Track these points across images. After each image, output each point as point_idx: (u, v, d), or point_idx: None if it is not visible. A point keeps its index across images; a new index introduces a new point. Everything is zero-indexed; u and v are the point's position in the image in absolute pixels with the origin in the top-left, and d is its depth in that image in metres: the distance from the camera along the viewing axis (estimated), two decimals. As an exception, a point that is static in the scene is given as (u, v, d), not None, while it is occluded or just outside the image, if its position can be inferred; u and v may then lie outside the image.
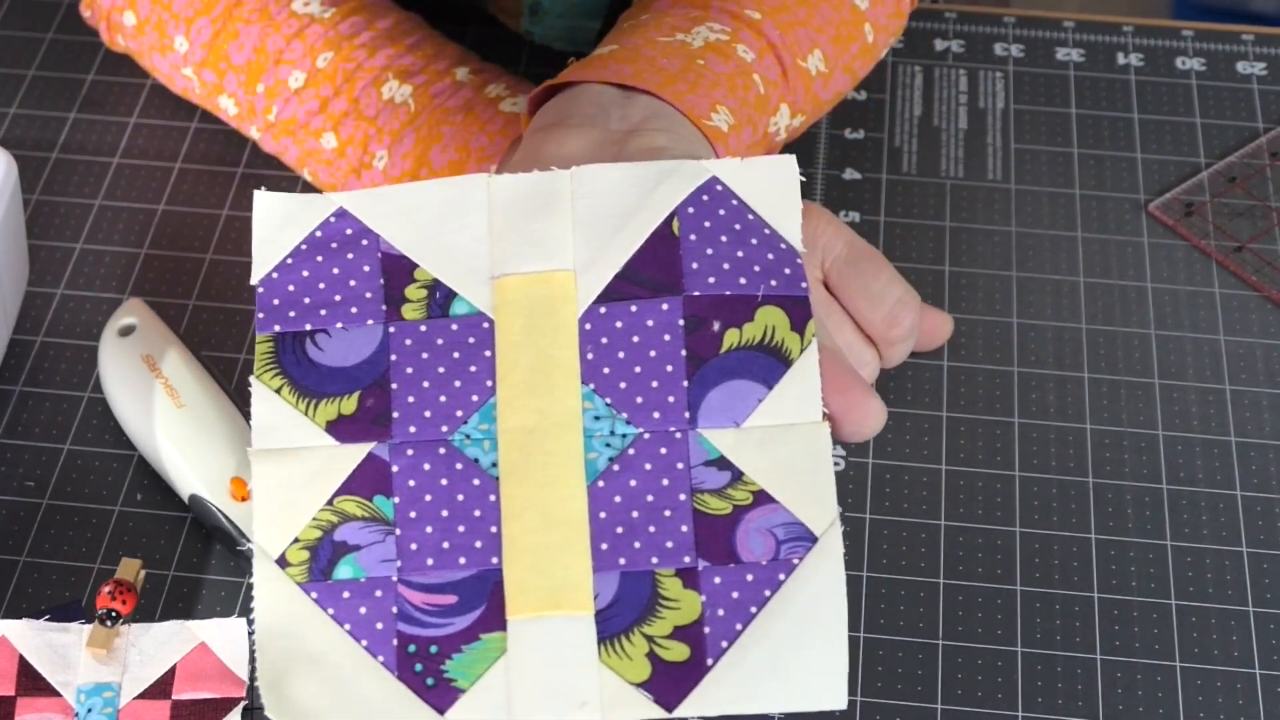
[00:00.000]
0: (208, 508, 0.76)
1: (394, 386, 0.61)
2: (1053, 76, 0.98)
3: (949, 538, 0.79)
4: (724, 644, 0.58)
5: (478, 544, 0.60)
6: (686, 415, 0.60)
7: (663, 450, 0.60)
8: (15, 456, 0.81)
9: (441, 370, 0.61)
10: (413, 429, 0.61)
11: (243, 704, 0.68)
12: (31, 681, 0.68)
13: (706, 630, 0.58)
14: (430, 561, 0.59)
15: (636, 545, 0.59)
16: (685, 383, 0.61)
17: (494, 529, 0.60)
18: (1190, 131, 0.95)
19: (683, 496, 0.60)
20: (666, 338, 0.61)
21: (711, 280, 0.62)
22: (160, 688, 0.68)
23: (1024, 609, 0.76)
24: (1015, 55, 0.99)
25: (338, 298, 0.62)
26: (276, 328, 0.62)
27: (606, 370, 0.61)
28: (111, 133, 0.94)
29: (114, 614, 0.69)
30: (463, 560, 0.59)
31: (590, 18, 0.93)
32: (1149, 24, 1.01)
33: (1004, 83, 0.98)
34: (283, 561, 0.60)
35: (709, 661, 0.58)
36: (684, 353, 0.61)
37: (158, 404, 0.78)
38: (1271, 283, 0.88)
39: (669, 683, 0.58)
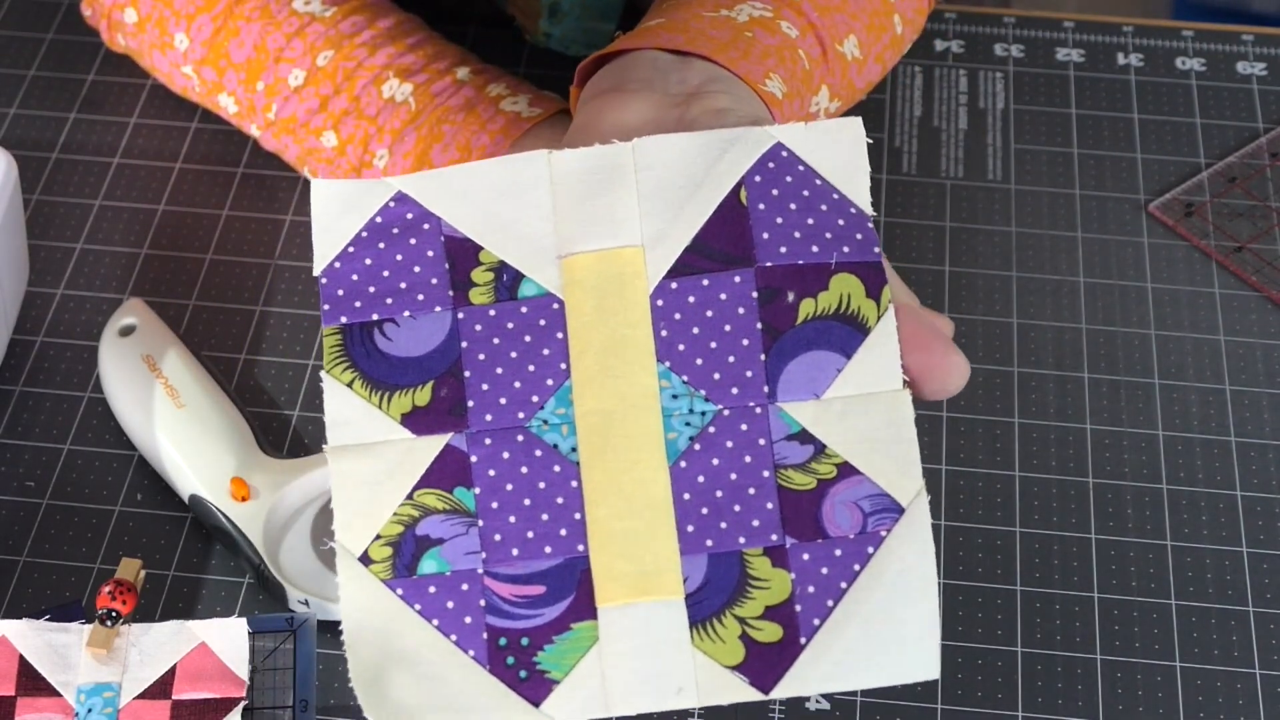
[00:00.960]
0: (208, 508, 0.76)
1: (467, 374, 0.60)
2: (1053, 76, 0.98)
3: (949, 538, 0.79)
4: (816, 622, 0.57)
5: (563, 532, 0.59)
6: (765, 389, 0.59)
7: (743, 426, 0.59)
8: (15, 456, 0.81)
9: (514, 355, 0.60)
10: (489, 417, 0.60)
11: (242, 704, 0.68)
12: (31, 681, 0.68)
13: (798, 609, 0.58)
14: (515, 552, 0.59)
15: (723, 525, 0.58)
16: (762, 356, 0.60)
17: (578, 515, 0.59)
18: (1190, 131, 0.95)
19: (766, 473, 0.59)
20: (741, 311, 0.60)
21: (783, 250, 0.60)
22: (160, 688, 0.68)
23: (1024, 609, 0.76)
24: (1015, 55, 0.99)
25: (403, 285, 0.61)
26: (343, 319, 0.61)
27: (681, 347, 0.60)
28: (111, 133, 0.94)
29: (114, 614, 0.69)
30: (548, 549, 0.59)
31: (605, 19, 0.93)
32: (1149, 24, 1.01)
33: (1004, 83, 0.98)
34: (366, 559, 0.59)
35: (802, 641, 0.57)
36: (759, 325, 0.60)
37: (158, 404, 0.78)
38: (1271, 283, 0.88)
39: (764, 664, 0.57)
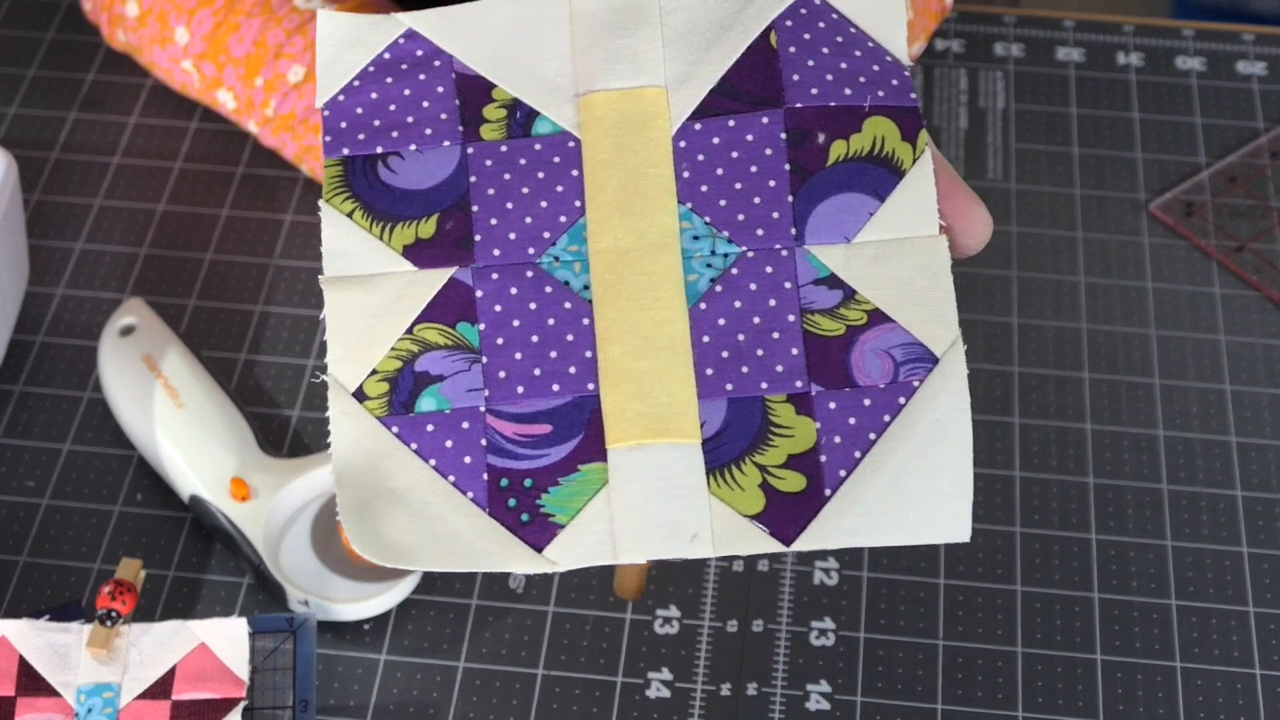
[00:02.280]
0: (208, 508, 0.76)
1: (475, 209, 0.58)
2: (1053, 76, 0.98)
3: (949, 538, 0.79)
4: (842, 473, 0.55)
5: (572, 370, 0.56)
6: (793, 231, 0.57)
7: (768, 269, 0.57)
8: (15, 456, 0.81)
9: (525, 191, 0.58)
10: (497, 252, 0.57)
11: (242, 704, 0.68)
12: (31, 681, 0.68)
13: (823, 459, 0.55)
14: (521, 389, 0.56)
15: (744, 370, 0.56)
16: (790, 198, 0.57)
17: (589, 354, 0.56)
18: (1190, 131, 0.95)
19: (792, 317, 0.56)
20: (768, 152, 0.58)
21: (814, 91, 0.58)
22: (160, 688, 0.68)
23: (1024, 609, 0.76)
24: (1015, 55, 0.99)
25: (410, 119, 0.59)
26: (345, 151, 0.59)
27: (704, 188, 0.58)
28: (111, 133, 0.94)
29: (114, 614, 0.69)
30: (556, 387, 0.56)
31: None
32: (1149, 24, 1.01)
33: (1004, 83, 0.98)
34: (360, 395, 0.56)
35: (827, 492, 0.55)
36: (788, 166, 0.58)
37: (158, 404, 0.78)
38: (1271, 283, 0.88)
39: (785, 515, 0.55)
